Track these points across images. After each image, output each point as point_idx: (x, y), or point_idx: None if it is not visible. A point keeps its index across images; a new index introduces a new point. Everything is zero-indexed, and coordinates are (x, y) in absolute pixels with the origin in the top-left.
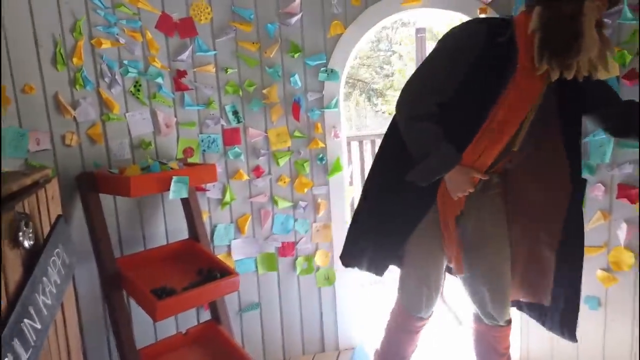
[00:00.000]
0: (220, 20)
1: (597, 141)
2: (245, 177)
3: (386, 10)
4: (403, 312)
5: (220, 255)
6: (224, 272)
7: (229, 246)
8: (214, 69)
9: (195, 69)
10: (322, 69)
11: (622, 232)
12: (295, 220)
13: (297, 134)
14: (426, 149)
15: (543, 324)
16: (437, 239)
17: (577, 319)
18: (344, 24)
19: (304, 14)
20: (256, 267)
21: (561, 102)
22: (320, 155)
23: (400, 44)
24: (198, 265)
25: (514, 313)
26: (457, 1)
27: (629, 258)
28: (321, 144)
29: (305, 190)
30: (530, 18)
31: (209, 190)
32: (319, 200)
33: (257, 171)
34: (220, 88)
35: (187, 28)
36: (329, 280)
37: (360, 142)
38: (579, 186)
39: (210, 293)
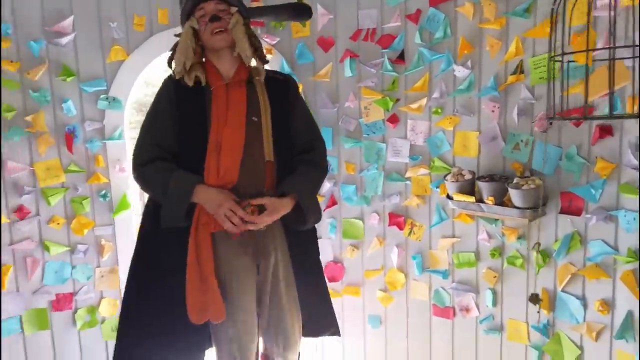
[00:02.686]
0: None
1: (370, 175)
2: (5, 219)
3: (173, 40)
4: None
5: None
6: None
7: None
8: None
9: None
10: (102, 96)
11: (394, 256)
12: (74, 267)
13: (72, 167)
14: (162, 184)
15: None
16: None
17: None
18: (126, 50)
19: (78, 35)
20: (22, 327)
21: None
22: (103, 192)
23: None
24: None
25: None
26: None
27: (401, 278)
28: (104, 179)
29: (86, 231)
30: None
31: None
32: (103, 242)
33: (20, 212)
34: None
35: None
36: None
37: None
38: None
39: None
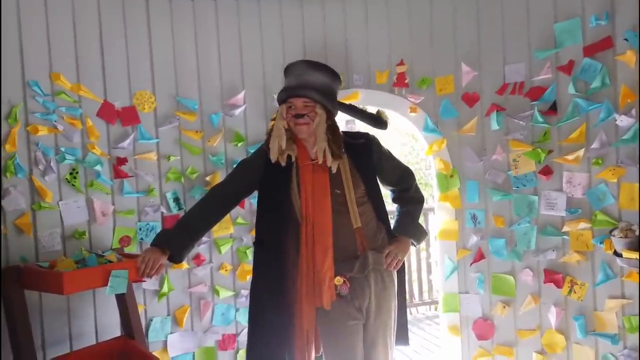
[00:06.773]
0: (164, 110)
1: (522, 229)
2: (185, 265)
3: None
4: None
5: (156, 352)
6: None
7: (165, 342)
8: (156, 157)
9: (136, 156)
10: None
11: (552, 316)
12: (237, 310)
13: (240, 220)
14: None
15: None
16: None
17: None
18: None
19: (248, 105)
20: None
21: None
22: None
23: None
24: None
25: None
26: (390, 100)
27: (561, 340)
28: None
29: (248, 277)
30: None
31: (144, 281)
32: None
33: (197, 259)
34: (161, 175)
35: (129, 116)
36: None
37: None
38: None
39: None
